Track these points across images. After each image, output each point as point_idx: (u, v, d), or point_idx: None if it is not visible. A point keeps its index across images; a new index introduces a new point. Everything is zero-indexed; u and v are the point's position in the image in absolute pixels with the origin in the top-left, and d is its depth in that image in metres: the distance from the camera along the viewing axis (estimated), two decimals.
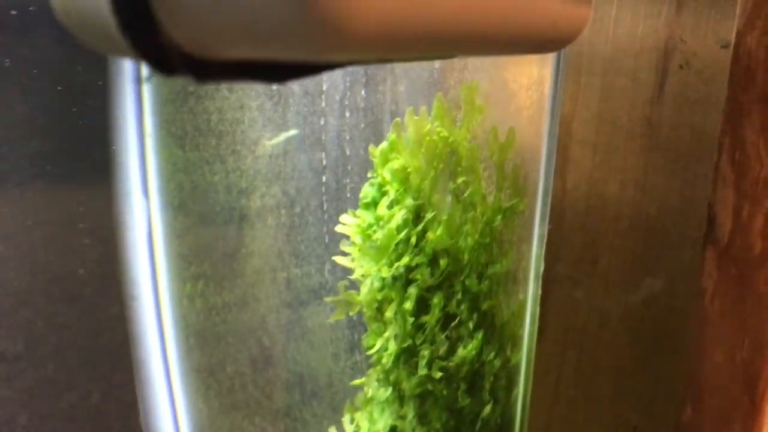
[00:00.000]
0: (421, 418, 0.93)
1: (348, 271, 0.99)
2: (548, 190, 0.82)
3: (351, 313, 1.00)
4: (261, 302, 1.16)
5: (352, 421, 1.01)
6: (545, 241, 0.84)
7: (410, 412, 0.94)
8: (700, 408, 0.64)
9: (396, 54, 0.38)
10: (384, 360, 0.91)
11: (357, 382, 0.96)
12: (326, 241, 1.06)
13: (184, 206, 1.23)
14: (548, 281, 0.96)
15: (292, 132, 1.00)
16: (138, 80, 1.23)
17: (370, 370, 0.93)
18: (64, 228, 1.22)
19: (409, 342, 0.89)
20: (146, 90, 1.23)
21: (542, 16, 0.45)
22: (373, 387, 0.93)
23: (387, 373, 0.91)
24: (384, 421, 0.97)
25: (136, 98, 1.24)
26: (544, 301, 0.96)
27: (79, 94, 1.22)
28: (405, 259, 0.90)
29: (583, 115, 0.89)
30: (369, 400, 0.99)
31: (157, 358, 1.30)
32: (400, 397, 0.96)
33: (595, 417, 0.98)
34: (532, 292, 0.88)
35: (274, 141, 1.04)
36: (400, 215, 0.90)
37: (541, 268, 0.85)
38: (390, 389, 0.91)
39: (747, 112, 0.60)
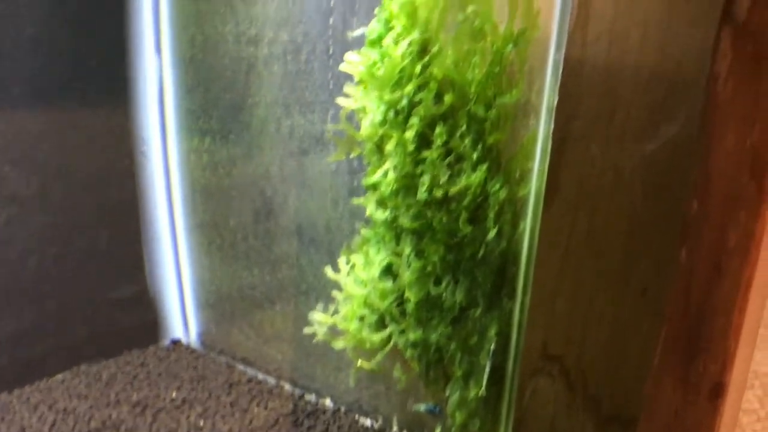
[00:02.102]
0: (418, 253, 0.88)
1: (350, 120, 0.93)
2: (565, 16, 0.75)
3: (351, 155, 0.95)
4: (265, 153, 1.11)
5: (347, 261, 0.96)
6: (560, 71, 0.77)
7: (407, 247, 0.89)
8: (706, 200, 0.59)
9: None
10: (383, 189, 0.85)
11: (356, 200, 0.91)
12: (331, 87, 1.00)
13: (195, 60, 1.17)
14: (562, 140, 0.89)
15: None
16: None
17: (369, 192, 0.88)
18: (78, 83, 1.17)
19: (408, 170, 0.84)
20: None
21: None
22: (371, 208, 0.87)
23: (385, 201, 0.86)
24: (380, 258, 0.92)
25: None
26: (558, 159, 0.90)
27: None
28: (409, 87, 0.84)
29: None
30: (365, 241, 0.95)
31: (164, 212, 1.26)
32: (396, 235, 0.91)
33: (604, 280, 0.93)
34: (543, 125, 0.82)
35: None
36: (405, 44, 0.84)
37: (555, 100, 0.78)
38: (387, 213, 0.86)
39: None
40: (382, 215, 0.86)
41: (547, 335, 1.00)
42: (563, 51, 0.82)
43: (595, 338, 0.96)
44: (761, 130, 0.54)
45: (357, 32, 0.93)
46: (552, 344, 1.00)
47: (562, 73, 0.83)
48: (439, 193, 0.81)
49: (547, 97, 0.83)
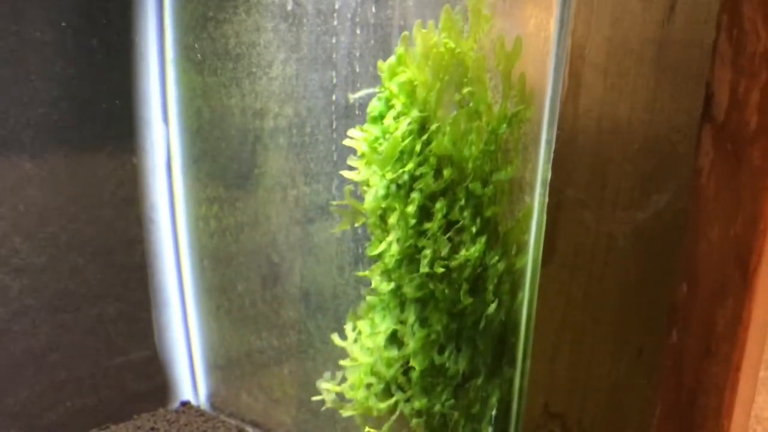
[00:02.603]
0: (422, 322, 0.91)
1: (353, 191, 0.97)
2: (556, 96, 0.79)
3: (356, 225, 0.99)
4: (271, 221, 1.14)
5: (354, 328, 0.99)
6: (553, 147, 0.81)
7: (411, 316, 0.92)
8: (695, 285, 0.61)
9: None
10: (386, 260, 0.89)
11: (361, 273, 0.94)
12: (335, 159, 1.04)
13: (202, 131, 1.21)
14: (557, 205, 0.93)
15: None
16: (160, 6, 1.21)
17: (374, 265, 0.91)
18: (87, 152, 1.21)
19: (411, 243, 0.87)
20: (168, 17, 1.22)
21: None
22: (376, 280, 0.91)
23: (389, 272, 0.89)
24: (385, 325, 0.95)
25: (158, 26, 1.23)
26: (553, 224, 0.93)
27: (102, 23, 1.20)
28: (409, 166, 0.88)
29: (596, 39, 0.86)
30: (371, 308, 0.98)
31: (173, 278, 1.29)
32: (401, 303, 0.94)
33: (601, 340, 0.95)
34: (538, 198, 0.86)
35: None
36: (405, 124, 0.88)
37: (549, 175, 0.82)
38: (392, 285, 0.89)
39: None
40: (387, 287, 0.89)
41: (548, 394, 1.02)
42: (555, 126, 0.86)
43: (596, 397, 0.98)
44: (743, 222, 0.57)
45: (360, 94, 0.99)
46: (553, 403, 1.02)
47: (556, 139, 0.87)
48: (440, 269, 0.84)
49: (542, 170, 0.87)
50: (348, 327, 0.99)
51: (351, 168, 0.95)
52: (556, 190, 0.92)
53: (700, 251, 0.61)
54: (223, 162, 1.18)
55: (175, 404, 1.30)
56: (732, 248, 0.59)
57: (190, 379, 1.30)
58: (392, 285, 0.89)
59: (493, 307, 0.84)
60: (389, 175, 0.88)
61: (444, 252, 0.86)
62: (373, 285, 0.91)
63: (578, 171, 0.93)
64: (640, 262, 0.89)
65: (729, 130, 0.58)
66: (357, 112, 1.01)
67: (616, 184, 0.90)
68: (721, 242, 0.59)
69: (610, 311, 0.94)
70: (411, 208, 0.87)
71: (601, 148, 0.90)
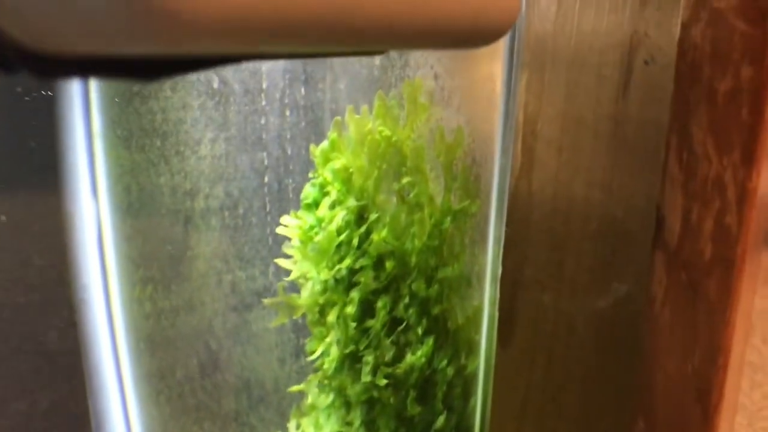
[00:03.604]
0: (369, 425, 0.84)
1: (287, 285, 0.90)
2: (504, 190, 0.73)
3: (294, 317, 0.91)
4: (207, 306, 1.06)
5: (297, 426, 0.91)
6: (503, 243, 0.75)
7: (357, 419, 0.84)
8: (652, 420, 0.56)
9: (256, 45, 0.29)
10: (326, 366, 0.81)
11: (296, 388, 0.86)
12: (270, 243, 0.96)
13: (132, 208, 1.12)
14: (514, 285, 0.86)
15: None
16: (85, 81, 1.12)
17: (311, 376, 0.83)
18: (11, 233, 1.11)
19: (352, 347, 0.80)
20: (94, 91, 1.13)
21: (457, 9, 0.36)
22: (313, 393, 0.83)
23: (329, 379, 0.82)
24: (330, 427, 0.87)
25: (84, 99, 1.13)
26: (511, 306, 0.86)
27: (26, 97, 1.11)
28: (347, 261, 0.80)
29: (548, 114, 0.79)
30: (315, 406, 0.90)
31: (109, 363, 1.19)
32: (346, 403, 0.86)
33: (565, 428, 0.89)
34: (489, 296, 0.79)
35: None
36: (341, 216, 0.81)
37: (499, 271, 0.75)
38: (331, 396, 0.82)
39: (694, 109, 0.51)
40: (325, 400, 0.81)
41: None
42: (504, 219, 0.79)
43: None
44: (702, 357, 0.51)
45: None
46: None
47: (509, 218, 0.81)
48: (382, 381, 0.77)
49: (492, 263, 0.80)
50: (291, 425, 0.91)
51: (286, 256, 0.87)
52: (511, 270, 0.86)
53: (657, 385, 0.55)
54: (156, 242, 1.09)
55: None
56: (691, 383, 0.53)
57: None
58: (331, 398, 0.82)
59: (441, 419, 0.77)
60: (324, 274, 0.81)
61: (388, 357, 0.78)
62: (309, 401, 0.84)
63: (534, 250, 0.87)
64: (602, 348, 0.83)
65: (682, 258, 0.52)
66: (291, 195, 0.93)
67: (575, 267, 0.84)
68: (680, 376, 0.53)
69: (572, 395, 0.88)
70: (350, 309, 0.80)
71: (557, 228, 0.84)
